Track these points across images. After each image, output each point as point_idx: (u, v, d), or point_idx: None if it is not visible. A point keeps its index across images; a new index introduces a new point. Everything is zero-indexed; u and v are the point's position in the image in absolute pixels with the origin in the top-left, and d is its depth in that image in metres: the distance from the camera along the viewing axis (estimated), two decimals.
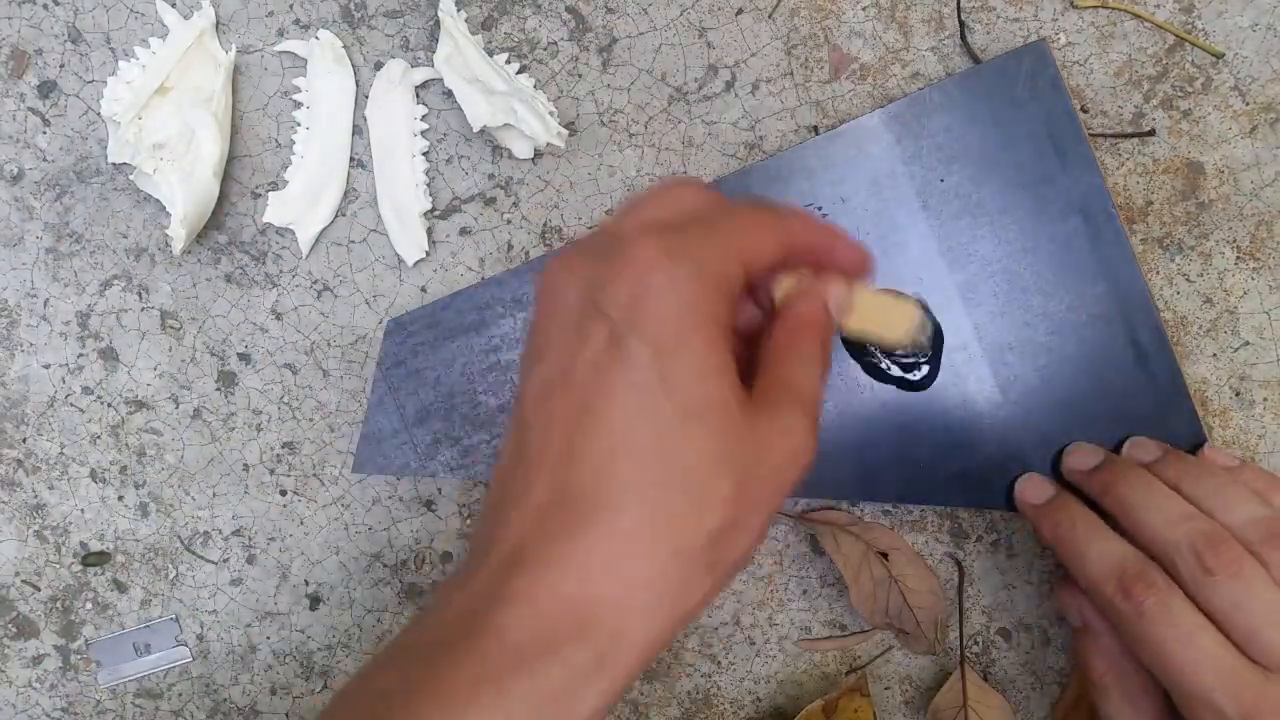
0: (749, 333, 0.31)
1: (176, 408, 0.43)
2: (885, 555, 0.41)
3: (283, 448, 0.43)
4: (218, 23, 0.42)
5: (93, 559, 0.44)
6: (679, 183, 0.29)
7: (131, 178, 0.41)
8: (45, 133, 0.42)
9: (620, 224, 0.28)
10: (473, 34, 0.41)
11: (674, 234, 0.26)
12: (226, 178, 0.42)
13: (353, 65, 0.42)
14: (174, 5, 0.42)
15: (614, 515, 0.24)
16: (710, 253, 0.26)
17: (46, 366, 0.43)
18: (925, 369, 0.39)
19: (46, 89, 0.42)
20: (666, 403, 0.24)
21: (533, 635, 0.23)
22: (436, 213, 0.42)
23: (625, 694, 0.44)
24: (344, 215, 0.42)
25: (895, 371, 0.40)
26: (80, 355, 0.43)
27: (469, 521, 0.44)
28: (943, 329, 0.39)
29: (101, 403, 0.43)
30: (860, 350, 0.40)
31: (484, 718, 0.22)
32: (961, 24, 0.41)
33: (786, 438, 0.26)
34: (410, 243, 0.42)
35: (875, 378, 0.40)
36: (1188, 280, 0.41)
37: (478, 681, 0.23)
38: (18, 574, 0.44)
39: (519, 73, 0.41)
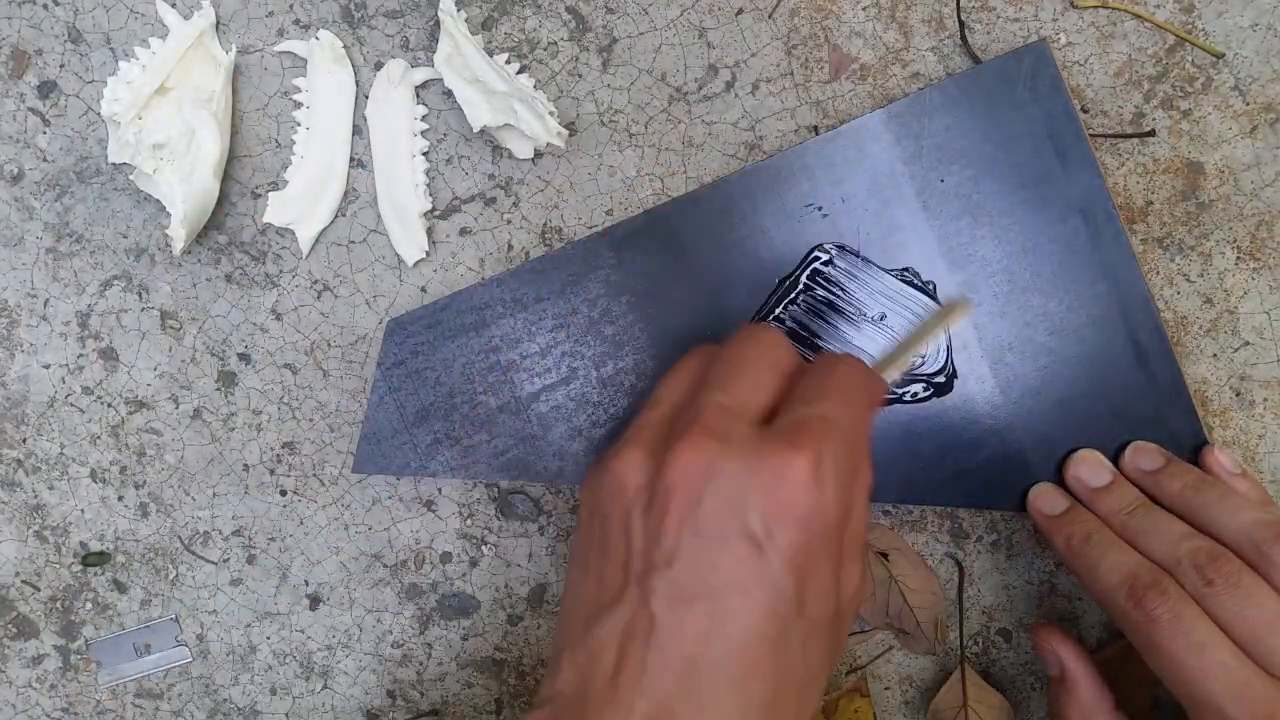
0: None
1: (176, 408, 0.43)
2: (885, 555, 0.41)
3: (283, 448, 0.43)
4: (218, 23, 0.42)
5: (93, 559, 0.44)
6: (768, 342, 0.32)
7: (131, 178, 0.41)
8: (45, 133, 0.42)
9: (751, 424, 0.29)
10: (473, 34, 0.41)
11: (832, 451, 0.28)
12: (226, 178, 0.42)
13: (353, 65, 0.42)
14: (174, 5, 0.42)
15: None
16: (861, 460, 0.29)
17: (46, 366, 0.43)
18: (932, 363, 0.39)
19: (46, 89, 0.42)
20: (798, 630, 0.27)
21: None
22: (436, 213, 0.42)
23: None
24: (344, 215, 0.42)
25: (919, 389, 0.40)
26: (80, 355, 0.43)
27: (469, 521, 0.44)
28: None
29: (101, 403, 0.43)
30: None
31: None
32: (961, 24, 0.41)
33: (855, 592, 0.30)
34: (410, 243, 0.42)
35: (904, 402, 0.40)
36: (1188, 280, 0.41)
37: None
38: (18, 574, 0.44)
39: (519, 73, 0.41)
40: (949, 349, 0.39)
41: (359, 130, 0.42)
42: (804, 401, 0.29)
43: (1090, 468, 0.38)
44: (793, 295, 0.40)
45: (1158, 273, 0.41)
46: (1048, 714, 0.39)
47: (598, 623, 0.27)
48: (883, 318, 0.39)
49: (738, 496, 0.27)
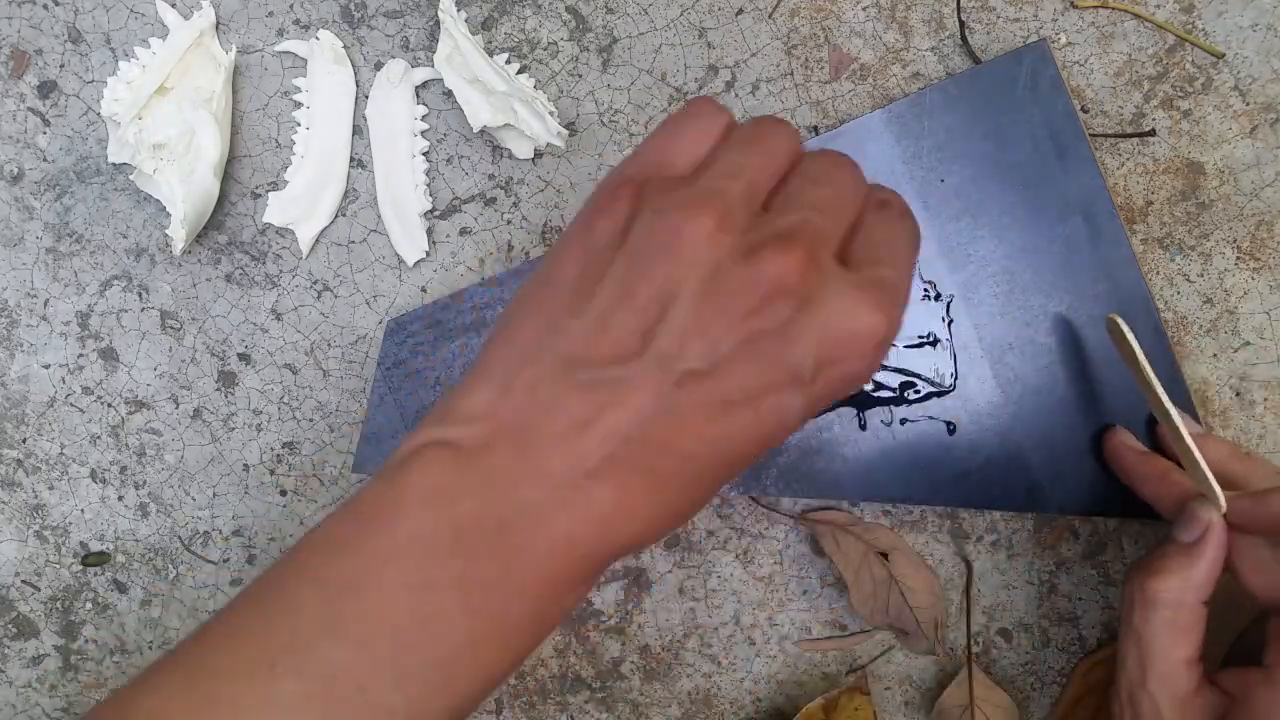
0: None
1: (176, 408, 0.43)
2: (885, 555, 0.41)
3: (283, 448, 0.43)
4: (218, 23, 0.42)
5: (93, 559, 0.44)
6: (778, 131, 0.27)
7: (131, 178, 0.41)
8: (45, 133, 0.42)
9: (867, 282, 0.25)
10: (473, 34, 0.41)
11: (896, 321, 0.25)
12: (226, 178, 0.42)
13: (353, 65, 0.42)
14: (174, 5, 0.42)
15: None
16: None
17: (46, 366, 0.43)
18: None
19: (46, 89, 0.42)
20: (780, 438, 0.25)
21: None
22: (436, 213, 0.42)
23: (625, 694, 0.44)
24: (344, 215, 0.42)
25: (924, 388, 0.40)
26: (80, 355, 0.43)
27: None
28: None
29: (101, 403, 0.43)
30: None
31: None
32: (961, 24, 0.41)
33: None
34: (410, 243, 0.42)
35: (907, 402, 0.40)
36: (1188, 280, 0.41)
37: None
38: (18, 574, 0.44)
39: (519, 73, 0.41)
40: (955, 358, 0.39)
41: (359, 130, 0.42)
42: (880, 261, 0.26)
43: (1188, 420, 0.38)
44: None
45: (1158, 273, 0.41)
46: (1133, 572, 0.35)
47: (584, 368, 0.24)
48: None
49: (805, 330, 0.24)
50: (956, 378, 0.39)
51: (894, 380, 0.40)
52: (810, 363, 0.24)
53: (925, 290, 0.39)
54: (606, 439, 0.23)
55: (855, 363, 0.24)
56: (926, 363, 0.40)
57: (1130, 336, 0.36)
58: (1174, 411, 0.35)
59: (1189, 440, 0.34)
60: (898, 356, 0.40)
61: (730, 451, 0.24)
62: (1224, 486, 0.34)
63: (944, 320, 0.39)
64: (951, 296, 0.39)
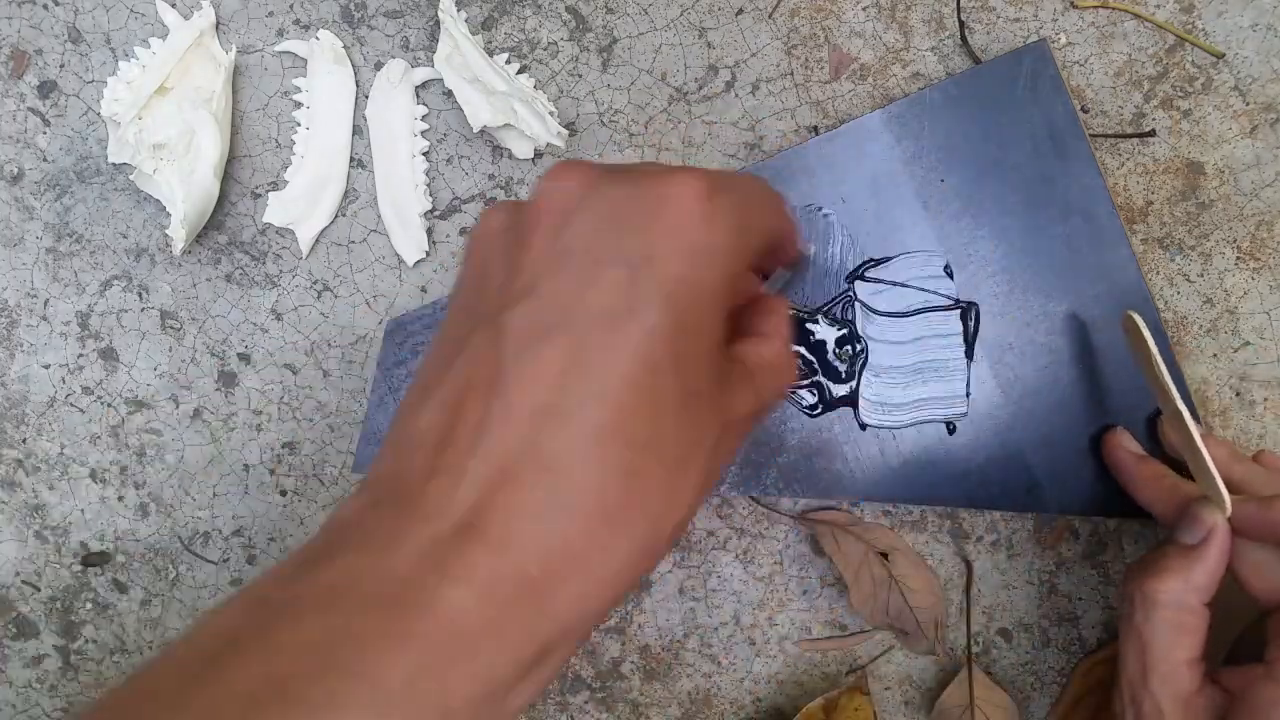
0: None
1: (176, 408, 0.43)
2: (885, 555, 0.41)
3: (283, 448, 0.43)
4: (218, 23, 0.42)
5: (93, 559, 0.44)
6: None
7: (131, 178, 0.41)
8: (45, 133, 0.42)
9: (657, 166, 0.24)
10: (473, 34, 0.41)
11: (725, 188, 0.23)
12: (226, 178, 0.42)
13: (353, 65, 0.42)
14: (174, 5, 0.42)
15: (596, 498, 0.21)
16: (756, 221, 0.24)
17: (46, 366, 0.43)
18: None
19: (46, 89, 0.42)
20: (674, 384, 0.22)
21: (484, 622, 0.20)
22: (436, 213, 0.42)
23: (625, 694, 0.44)
24: (344, 215, 0.42)
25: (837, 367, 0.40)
26: (80, 355, 0.43)
27: None
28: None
29: (101, 403, 0.43)
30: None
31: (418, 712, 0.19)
32: (961, 24, 0.41)
33: (745, 418, 0.25)
34: (410, 243, 0.42)
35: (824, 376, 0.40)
36: (1188, 280, 0.41)
37: (420, 671, 0.19)
38: (18, 574, 0.44)
39: (519, 73, 0.41)
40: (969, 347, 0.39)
41: (359, 130, 0.42)
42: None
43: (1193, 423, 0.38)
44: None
45: (1158, 273, 0.41)
46: (1133, 572, 0.35)
47: (430, 389, 0.22)
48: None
49: (615, 218, 0.22)
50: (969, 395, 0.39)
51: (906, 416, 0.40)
52: (635, 245, 0.23)
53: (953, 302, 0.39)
54: (470, 436, 0.22)
55: (687, 226, 0.23)
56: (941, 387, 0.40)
57: (1147, 334, 0.36)
58: (1185, 411, 0.35)
59: (1199, 442, 0.34)
60: (904, 390, 0.39)
61: (588, 384, 0.22)
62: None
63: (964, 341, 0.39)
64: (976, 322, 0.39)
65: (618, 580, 0.22)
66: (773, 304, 0.29)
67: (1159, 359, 0.35)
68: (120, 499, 0.44)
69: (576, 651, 0.22)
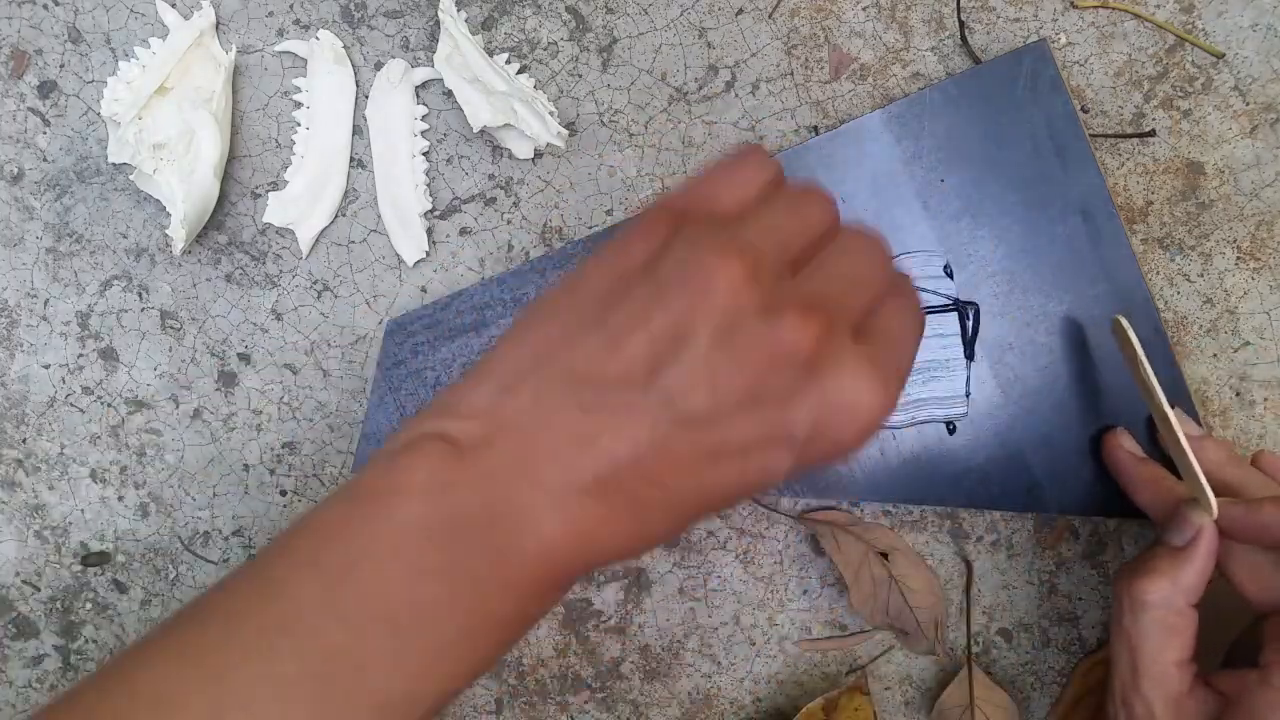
0: None
1: (176, 408, 0.43)
2: (885, 555, 0.41)
3: (283, 448, 0.43)
4: (218, 23, 0.42)
5: (93, 559, 0.44)
6: (822, 201, 0.28)
7: (131, 178, 0.41)
8: (45, 133, 0.42)
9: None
10: (473, 34, 0.41)
11: (891, 405, 0.26)
12: (226, 178, 0.42)
13: (353, 65, 0.42)
14: (174, 5, 0.42)
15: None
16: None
17: (46, 366, 0.43)
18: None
19: (46, 89, 0.42)
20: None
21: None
22: (436, 213, 0.42)
23: (625, 694, 0.44)
24: (344, 215, 0.42)
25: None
26: (80, 355, 0.43)
27: None
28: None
29: (101, 403, 0.43)
30: None
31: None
32: (961, 24, 0.41)
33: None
34: (410, 243, 0.42)
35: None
36: (1188, 280, 0.41)
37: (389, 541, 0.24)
38: (18, 574, 0.44)
39: (519, 73, 0.41)
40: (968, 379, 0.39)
41: (359, 130, 0.42)
42: (891, 344, 0.27)
43: (1187, 421, 0.38)
44: None
45: (1158, 273, 0.41)
46: (1123, 574, 0.35)
47: (589, 386, 0.24)
48: None
49: (808, 396, 0.24)
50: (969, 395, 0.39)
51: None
52: (806, 427, 0.25)
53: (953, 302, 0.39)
54: (601, 461, 0.24)
55: (848, 435, 0.25)
56: (940, 386, 0.39)
57: (1133, 337, 0.36)
58: (1172, 415, 0.35)
59: (1185, 444, 0.34)
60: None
61: (713, 495, 0.25)
62: (1219, 492, 0.34)
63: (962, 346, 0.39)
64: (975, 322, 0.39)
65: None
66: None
67: (1146, 362, 0.35)
68: (120, 499, 0.44)
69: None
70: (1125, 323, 0.36)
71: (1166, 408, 0.35)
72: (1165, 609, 0.33)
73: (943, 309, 0.39)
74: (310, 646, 0.23)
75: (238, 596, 0.24)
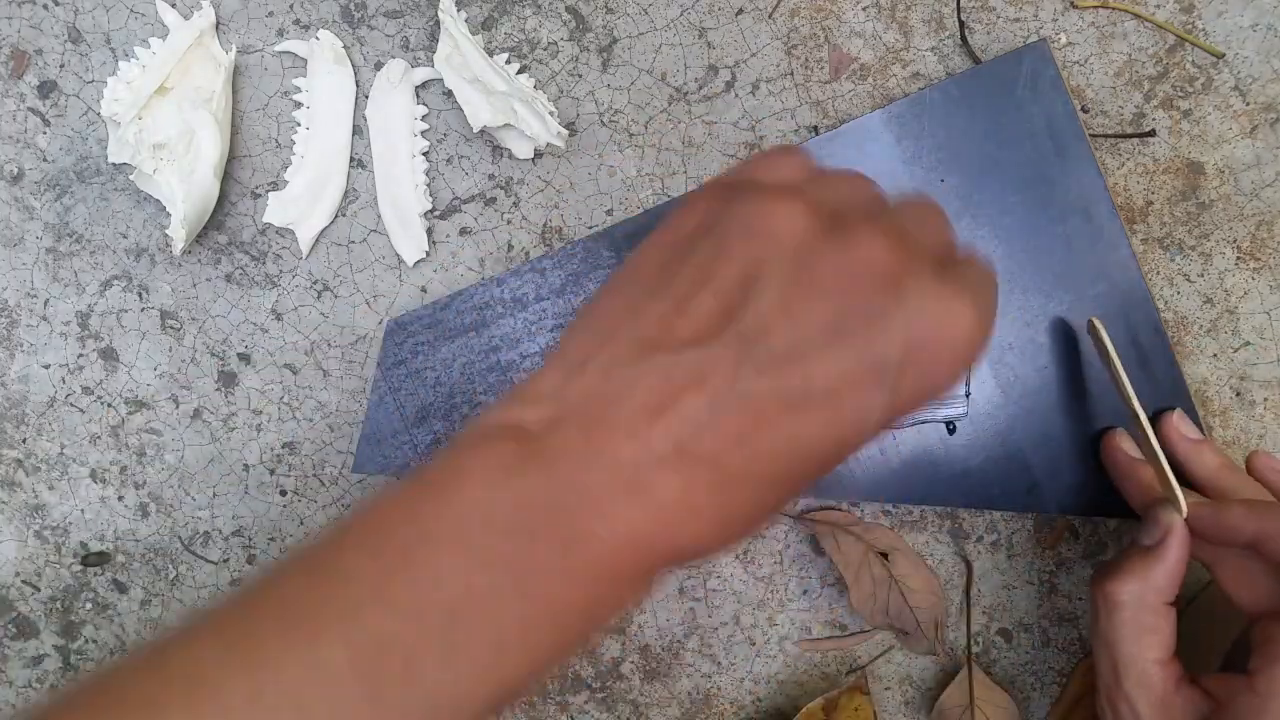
0: None
1: (176, 408, 0.43)
2: (885, 555, 0.41)
3: (283, 448, 0.43)
4: (218, 23, 0.42)
5: (93, 559, 0.44)
6: (865, 180, 0.27)
7: (131, 178, 0.41)
8: (45, 133, 0.42)
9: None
10: (473, 34, 0.41)
11: (988, 329, 0.24)
12: (226, 178, 0.42)
13: (353, 65, 0.42)
14: (174, 5, 0.42)
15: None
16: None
17: (46, 366, 0.43)
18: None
19: (46, 89, 0.42)
20: (837, 459, 0.24)
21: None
22: (436, 213, 0.42)
23: (625, 694, 0.44)
24: (344, 215, 0.42)
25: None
26: (80, 355, 0.43)
27: None
28: None
29: (101, 403, 0.43)
30: None
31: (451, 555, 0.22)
32: (961, 24, 0.41)
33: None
34: (410, 243, 0.42)
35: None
36: (1188, 280, 0.41)
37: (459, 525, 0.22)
38: (18, 574, 0.44)
39: (519, 73, 0.41)
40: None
41: (359, 130, 0.42)
42: (973, 280, 0.25)
43: (1188, 424, 0.38)
44: None
45: (1158, 272, 0.41)
46: (1097, 577, 0.36)
47: (660, 351, 0.23)
48: None
49: (894, 320, 0.23)
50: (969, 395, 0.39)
51: None
52: (896, 359, 0.23)
53: None
54: (679, 425, 0.22)
55: (940, 367, 0.23)
56: None
57: (1106, 339, 0.36)
58: (1142, 414, 0.35)
59: (1155, 443, 0.35)
60: None
61: (804, 452, 0.23)
62: (1214, 498, 0.34)
63: None
64: None
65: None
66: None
67: (1119, 363, 0.36)
68: (120, 499, 0.44)
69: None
70: (1100, 324, 0.37)
71: (1137, 406, 0.35)
72: (1138, 608, 0.34)
73: None
74: (361, 635, 0.21)
75: (285, 581, 0.23)
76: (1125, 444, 0.38)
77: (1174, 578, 0.34)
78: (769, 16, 0.41)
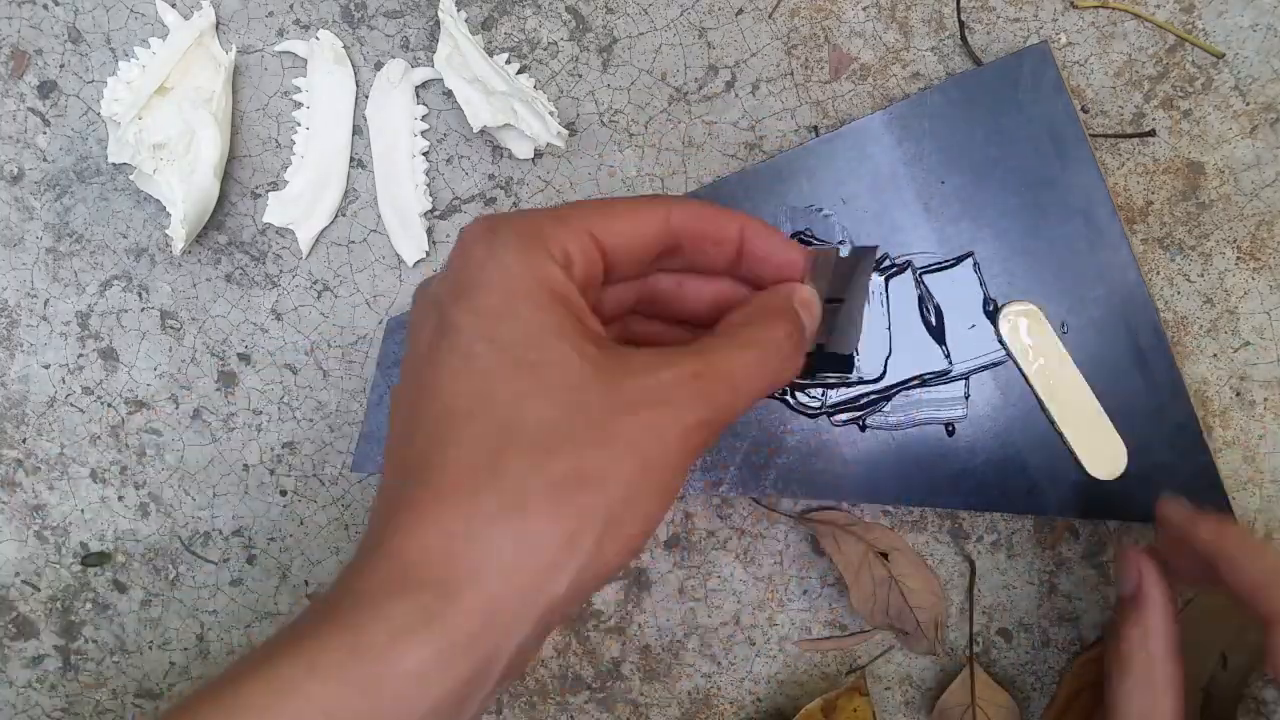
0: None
1: (176, 408, 0.43)
2: (885, 555, 0.41)
3: (283, 448, 0.43)
4: (218, 23, 0.42)
5: (93, 559, 0.44)
6: None
7: (131, 178, 0.41)
8: (45, 133, 0.42)
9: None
10: (473, 34, 0.41)
11: (502, 216, 0.26)
12: (226, 178, 0.42)
13: (353, 65, 0.42)
14: (174, 5, 0.42)
15: (439, 473, 0.23)
16: (539, 226, 0.25)
17: (46, 366, 0.43)
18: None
19: (46, 89, 0.42)
20: (493, 358, 0.23)
21: (357, 597, 0.23)
22: (436, 213, 0.42)
23: (625, 694, 0.44)
24: (344, 215, 0.42)
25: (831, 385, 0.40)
26: (80, 355, 0.43)
27: None
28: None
29: (101, 403, 0.43)
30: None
31: (292, 667, 0.22)
32: (962, 24, 0.41)
33: (657, 408, 0.23)
34: (410, 243, 0.42)
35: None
36: (1188, 280, 0.41)
37: (297, 638, 0.23)
38: (18, 574, 0.44)
39: (519, 73, 0.41)
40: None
41: (359, 130, 0.42)
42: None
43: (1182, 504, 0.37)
44: None
45: (1158, 273, 0.41)
46: (1107, 637, 0.36)
47: None
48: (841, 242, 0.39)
49: (430, 282, 0.26)
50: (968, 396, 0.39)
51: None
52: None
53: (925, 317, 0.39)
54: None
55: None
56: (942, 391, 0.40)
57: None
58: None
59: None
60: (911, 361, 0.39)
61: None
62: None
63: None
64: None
65: (483, 539, 0.23)
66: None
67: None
68: (120, 499, 0.44)
69: (509, 623, 0.23)
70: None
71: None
72: (1146, 664, 0.34)
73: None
74: None
75: None
76: (1180, 507, 0.37)
77: (1168, 618, 0.34)
78: (769, 16, 0.41)
